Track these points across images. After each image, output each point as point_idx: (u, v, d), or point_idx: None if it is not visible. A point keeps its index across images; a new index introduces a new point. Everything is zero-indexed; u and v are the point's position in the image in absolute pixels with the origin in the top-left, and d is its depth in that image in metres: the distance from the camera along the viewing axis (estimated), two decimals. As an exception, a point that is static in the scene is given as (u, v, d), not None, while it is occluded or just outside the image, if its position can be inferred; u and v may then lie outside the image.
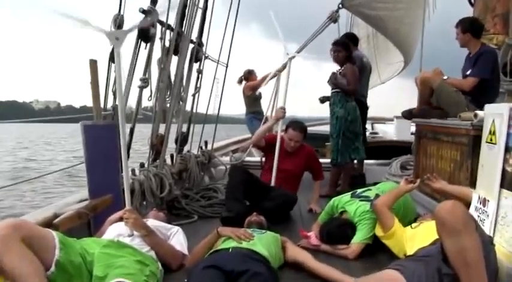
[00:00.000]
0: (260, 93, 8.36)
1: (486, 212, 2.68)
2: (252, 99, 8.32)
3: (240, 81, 8.45)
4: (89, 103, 3.66)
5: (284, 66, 5.96)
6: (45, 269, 2.19)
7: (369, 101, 6.34)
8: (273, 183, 4.52)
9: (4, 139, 39.48)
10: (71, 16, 2.35)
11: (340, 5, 6.48)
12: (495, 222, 2.59)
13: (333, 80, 5.26)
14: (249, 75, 8.37)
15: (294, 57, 4.97)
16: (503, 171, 2.54)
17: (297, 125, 4.63)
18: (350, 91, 5.23)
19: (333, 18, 6.60)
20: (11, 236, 2.10)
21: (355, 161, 5.64)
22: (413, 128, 5.39)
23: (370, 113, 7.57)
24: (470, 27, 4.40)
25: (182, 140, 5.60)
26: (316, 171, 4.82)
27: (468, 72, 4.35)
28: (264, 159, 5.15)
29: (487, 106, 2.91)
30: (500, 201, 2.56)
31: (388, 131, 11.15)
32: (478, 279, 2.00)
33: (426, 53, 7.07)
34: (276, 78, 6.81)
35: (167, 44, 4.63)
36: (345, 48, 5.33)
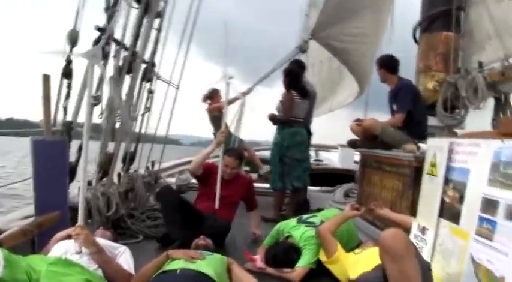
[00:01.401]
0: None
1: (425, 239, 2.83)
2: (219, 119, 8.27)
3: (204, 100, 8.32)
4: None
5: (249, 91, 6.07)
6: None
7: (315, 128, 6.52)
8: (217, 206, 4.29)
9: None
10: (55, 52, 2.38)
11: (310, 36, 6.65)
12: (433, 249, 2.73)
13: (269, 118, 5.56)
14: (214, 94, 8.27)
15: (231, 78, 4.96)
16: (442, 201, 2.70)
17: (233, 152, 4.57)
18: (282, 120, 5.47)
19: (303, 49, 6.75)
20: None
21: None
22: (356, 157, 5.59)
23: (315, 140, 7.75)
24: (384, 64, 4.80)
25: (129, 159, 5.53)
26: (252, 202, 4.65)
27: (394, 108, 4.68)
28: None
29: (429, 140, 3.10)
30: (439, 229, 2.71)
31: (332, 159, 11.39)
32: (417, 303, 2.09)
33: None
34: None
35: (120, 62, 4.60)
36: (286, 75, 5.57)
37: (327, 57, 9.24)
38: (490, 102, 4.08)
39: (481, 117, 4.13)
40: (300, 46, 6.67)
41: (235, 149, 4.76)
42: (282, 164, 5.47)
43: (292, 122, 5.44)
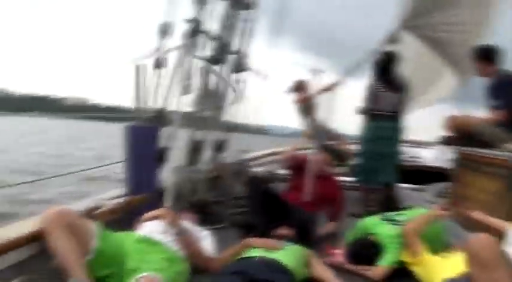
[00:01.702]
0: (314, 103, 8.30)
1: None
2: (307, 110, 8.25)
3: (291, 91, 8.34)
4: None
5: (342, 81, 5.98)
6: (84, 255, 2.37)
7: (411, 123, 6.24)
8: (306, 199, 4.30)
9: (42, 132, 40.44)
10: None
11: (401, 26, 6.38)
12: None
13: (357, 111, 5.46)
14: (301, 85, 8.25)
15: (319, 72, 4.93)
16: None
17: (332, 149, 4.54)
18: (364, 113, 5.40)
19: (393, 39, 6.50)
20: (58, 221, 2.32)
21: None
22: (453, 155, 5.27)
23: (411, 136, 7.45)
24: (481, 55, 4.46)
25: (218, 147, 5.67)
26: (335, 212, 4.50)
27: (494, 104, 4.32)
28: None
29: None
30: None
31: (428, 156, 10.90)
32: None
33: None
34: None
35: (209, 53, 4.72)
36: (374, 66, 5.44)
37: (421, 51, 8.83)
38: None
39: None
40: (390, 36, 6.39)
41: (335, 148, 4.65)
42: (367, 158, 5.33)
43: (377, 115, 5.26)
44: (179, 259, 2.75)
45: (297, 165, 4.47)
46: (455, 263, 2.59)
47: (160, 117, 4.17)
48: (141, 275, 2.32)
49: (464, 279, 2.31)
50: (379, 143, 5.25)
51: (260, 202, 4.08)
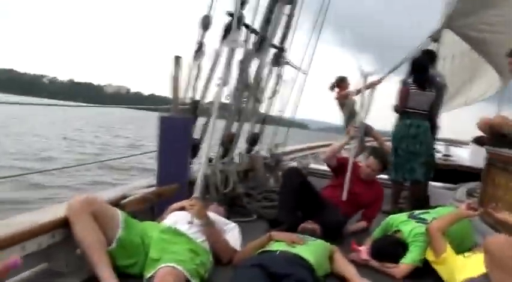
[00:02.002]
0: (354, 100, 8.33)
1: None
2: (349, 106, 8.29)
3: (332, 88, 8.41)
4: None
5: (380, 81, 6.02)
6: (107, 244, 2.46)
7: (446, 123, 6.20)
8: (344, 197, 4.28)
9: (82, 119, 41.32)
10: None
11: (445, 25, 6.34)
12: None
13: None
14: (341, 82, 8.31)
15: (368, 75, 4.97)
16: None
17: (379, 154, 4.51)
18: (395, 109, 5.46)
19: (435, 38, 6.46)
20: (83, 209, 2.42)
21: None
22: (486, 155, 5.20)
23: (447, 135, 7.39)
24: None
25: (253, 140, 5.76)
26: (370, 214, 4.51)
27: None
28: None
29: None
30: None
31: (463, 155, 10.73)
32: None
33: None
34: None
35: (250, 46, 4.81)
36: (410, 64, 5.46)
37: (461, 51, 8.67)
38: None
39: None
40: (432, 35, 6.33)
41: (381, 153, 4.64)
42: (397, 155, 5.38)
43: (408, 113, 5.29)
44: (203, 251, 2.78)
45: (340, 164, 4.48)
46: (478, 263, 2.62)
47: (196, 109, 4.28)
48: (162, 266, 2.38)
49: (483, 279, 2.34)
50: (410, 141, 5.28)
51: (294, 193, 4.05)
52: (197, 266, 2.55)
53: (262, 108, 5.84)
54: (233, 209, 4.54)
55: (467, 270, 2.66)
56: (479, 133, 4.99)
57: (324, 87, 8.62)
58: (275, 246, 2.85)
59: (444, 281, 2.95)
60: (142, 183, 3.84)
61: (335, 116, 8.77)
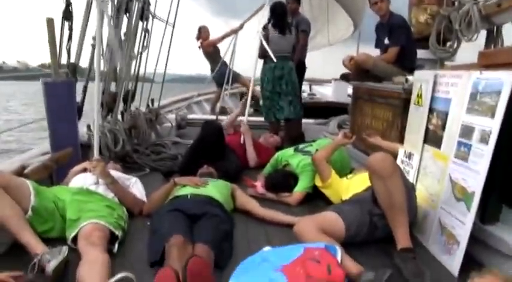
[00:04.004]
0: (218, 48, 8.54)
1: (411, 164, 3.11)
2: (214, 54, 8.46)
3: (198, 38, 8.53)
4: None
5: (241, 27, 6.20)
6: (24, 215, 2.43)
7: (308, 63, 6.67)
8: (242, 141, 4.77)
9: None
10: None
11: None
12: (418, 172, 3.02)
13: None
14: (200, 31, 8.48)
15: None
16: (427, 129, 2.96)
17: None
18: (259, 55, 5.69)
19: None
20: None
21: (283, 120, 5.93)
22: (350, 91, 5.77)
23: (309, 75, 7.92)
24: None
25: (130, 98, 5.69)
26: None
27: (386, 42, 4.86)
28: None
29: (416, 73, 3.30)
30: (423, 154, 2.99)
31: (326, 93, 11.56)
32: (401, 215, 2.41)
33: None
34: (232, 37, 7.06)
35: (116, 2, 4.71)
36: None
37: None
38: (482, 35, 4.21)
39: (473, 50, 4.25)
40: None
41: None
42: (266, 97, 5.76)
43: (271, 57, 5.49)
44: (117, 205, 2.88)
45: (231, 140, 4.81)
46: (360, 181, 3.04)
47: (75, 71, 4.17)
48: (83, 224, 2.43)
49: (367, 192, 2.76)
50: (276, 82, 5.65)
51: (206, 147, 4.23)
52: (117, 219, 2.65)
53: (135, 65, 5.81)
54: (125, 165, 4.59)
55: (351, 188, 3.07)
56: (340, 72, 5.51)
57: (191, 39, 8.72)
58: (183, 191, 3.00)
59: (332, 201, 3.37)
60: (36, 152, 3.74)
61: (201, 67, 8.95)
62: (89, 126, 4.39)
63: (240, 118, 5.32)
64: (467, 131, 2.44)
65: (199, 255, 2.07)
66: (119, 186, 3.09)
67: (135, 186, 3.35)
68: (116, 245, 2.52)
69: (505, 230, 2.44)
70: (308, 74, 7.24)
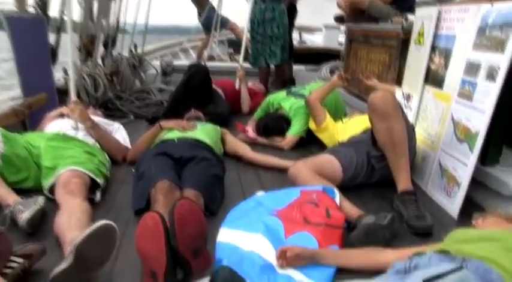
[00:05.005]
0: None
1: (409, 106, 2.98)
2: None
3: None
4: None
5: None
6: None
7: (301, 7, 6.39)
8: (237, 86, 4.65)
9: None
10: None
11: None
12: (417, 114, 2.89)
13: None
14: None
15: None
16: (428, 68, 2.81)
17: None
18: None
19: None
20: None
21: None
22: (341, 38, 5.55)
23: (299, 22, 7.67)
24: None
25: (110, 41, 5.43)
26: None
27: None
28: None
29: (418, 9, 3.12)
30: (423, 95, 2.85)
31: (316, 41, 11.31)
32: (402, 156, 2.29)
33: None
34: None
35: None
36: None
37: None
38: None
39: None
40: None
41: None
42: (256, 41, 5.45)
43: None
44: (98, 151, 2.68)
45: None
46: (356, 123, 2.92)
47: (46, 8, 3.82)
48: (61, 171, 2.24)
49: (365, 134, 2.63)
50: (267, 25, 5.34)
51: (192, 91, 4.02)
52: (97, 165, 2.46)
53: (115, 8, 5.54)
54: (108, 112, 4.38)
55: (348, 131, 2.94)
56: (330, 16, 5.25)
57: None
58: (170, 135, 2.83)
59: (327, 145, 3.23)
60: (6, 96, 3.51)
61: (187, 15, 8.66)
62: (65, 70, 4.07)
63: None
64: (472, 69, 2.30)
65: (187, 198, 1.92)
66: (100, 130, 2.88)
67: (118, 132, 3.16)
68: (98, 194, 2.33)
69: (505, 171, 2.35)
70: (298, 22, 7.00)
